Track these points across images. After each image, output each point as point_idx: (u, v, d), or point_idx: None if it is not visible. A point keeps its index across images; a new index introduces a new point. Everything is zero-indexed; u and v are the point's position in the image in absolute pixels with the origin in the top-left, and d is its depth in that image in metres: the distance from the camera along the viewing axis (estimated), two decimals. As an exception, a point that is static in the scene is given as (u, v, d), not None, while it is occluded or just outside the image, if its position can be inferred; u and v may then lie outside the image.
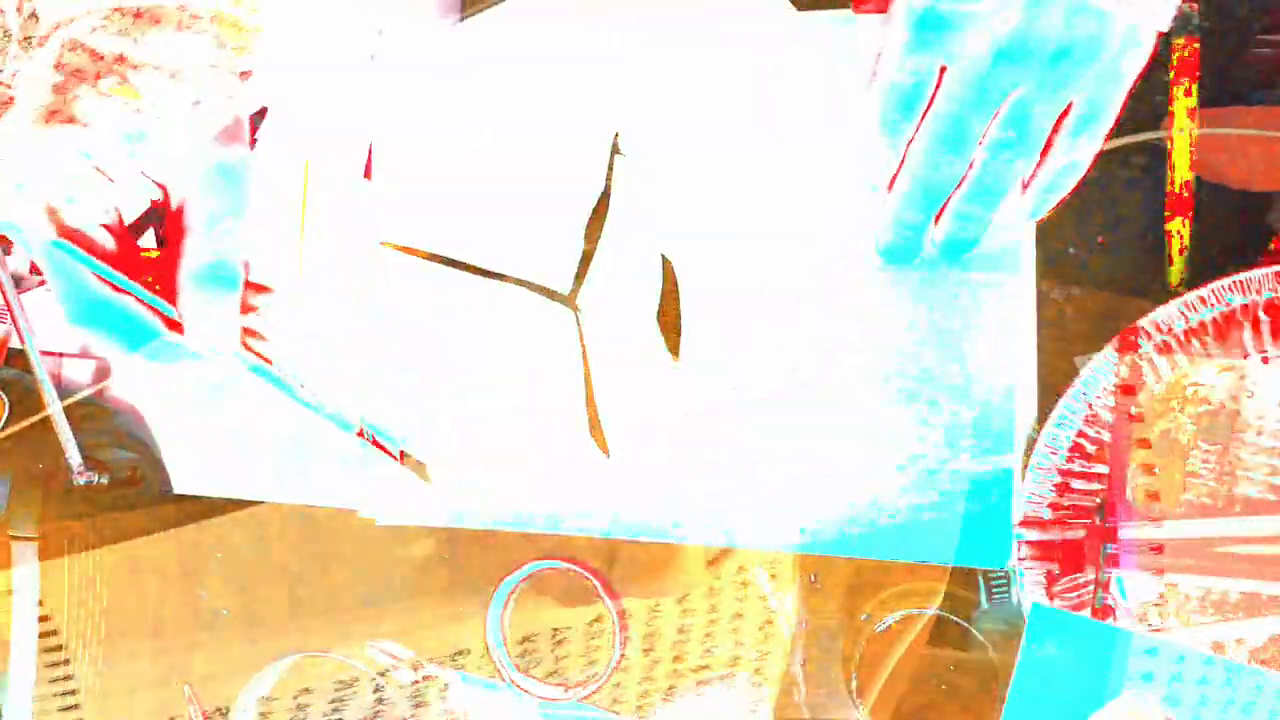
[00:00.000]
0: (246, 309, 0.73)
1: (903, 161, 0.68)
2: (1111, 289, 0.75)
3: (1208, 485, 0.72)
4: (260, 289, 0.77)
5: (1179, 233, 0.74)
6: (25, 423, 0.84)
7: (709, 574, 0.79)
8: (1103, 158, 0.67)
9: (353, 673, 0.83)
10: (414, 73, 0.77)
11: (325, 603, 0.84)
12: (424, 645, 0.83)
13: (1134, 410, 0.72)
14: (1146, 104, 0.74)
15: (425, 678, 0.83)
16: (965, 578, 0.76)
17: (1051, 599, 0.73)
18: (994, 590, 0.77)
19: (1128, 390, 0.72)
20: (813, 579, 0.79)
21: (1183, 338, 0.72)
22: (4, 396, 0.84)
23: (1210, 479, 0.72)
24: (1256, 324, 0.71)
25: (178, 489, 0.83)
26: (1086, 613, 0.72)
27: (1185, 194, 0.74)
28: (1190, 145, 0.74)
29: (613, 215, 0.75)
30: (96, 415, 0.85)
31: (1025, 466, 0.72)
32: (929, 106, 0.66)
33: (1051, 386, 0.73)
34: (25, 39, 0.71)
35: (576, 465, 0.76)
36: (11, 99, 0.70)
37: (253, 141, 0.73)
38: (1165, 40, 0.70)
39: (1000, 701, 0.72)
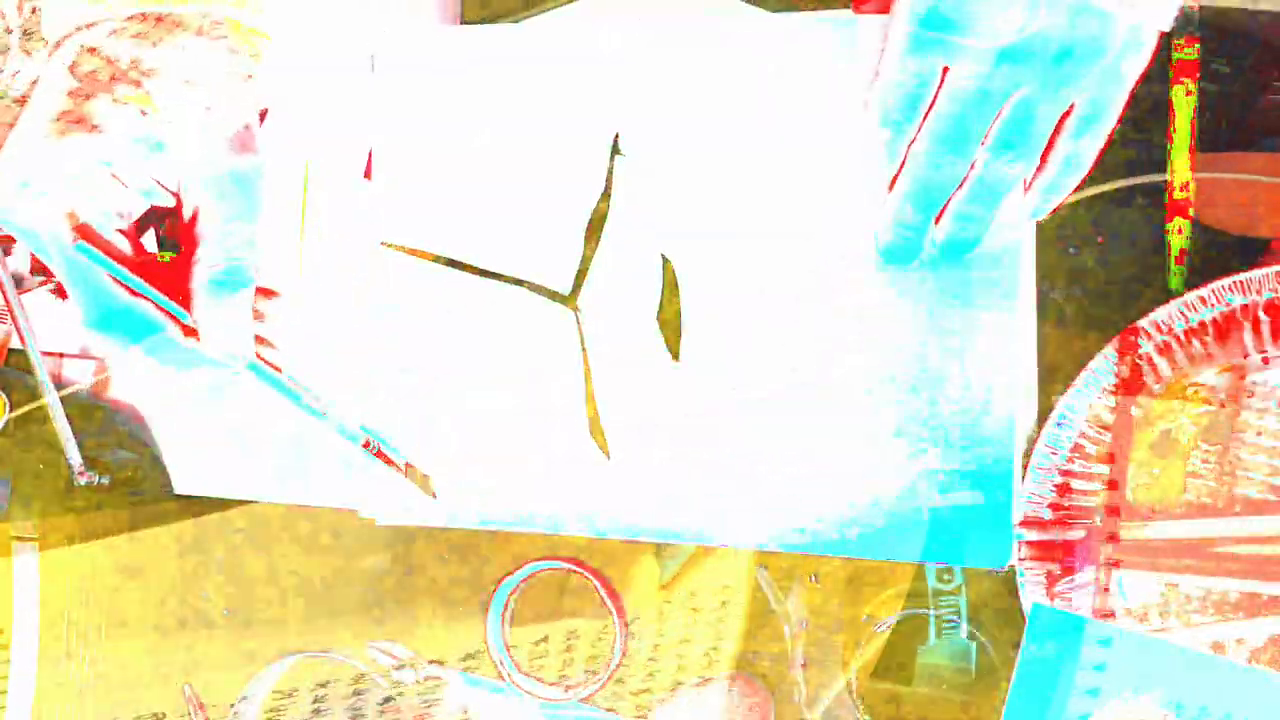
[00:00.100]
0: (256, 315, 0.73)
1: (903, 162, 0.68)
2: (1111, 289, 0.75)
3: (1208, 485, 0.72)
4: (267, 294, 0.77)
5: (1179, 233, 0.74)
6: (23, 410, 0.84)
7: (661, 596, 0.80)
8: (1103, 158, 0.67)
9: (352, 673, 0.83)
10: (414, 73, 0.77)
11: (325, 603, 0.84)
12: (424, 645, 0.83)
13: (1134, 410, 0.72)
14: (1147, 104, 0.74)
15: (426, 678, 0.83)
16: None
17: (1051, 599, 0.73)
18: (944, 626, 0.77)
19: (1128, 390, 0.72)
20: (813, 579, 0.79)
21: (1183, 338, 0.72)
22: (4, 396, 0.84)
23: (1210, 479, 0.72)
24: (1256, 324, 0.71)
25: (178, 489, 0.83)
26: (1087, 613, 0.72)
27: (1185, 194, 0.74)
28: (1190, 146, 0.74)
29: (613, 215, 0.75)
30: (96, 415, 0.85)
31: (1025, 466, 0.73)
32: (930, 107, 0.66)
33: (1051, 386, 0.73)
34: (26, 34, 0.71)
35: (576, 465, 0.76)
36: (24, 98, 0.70)
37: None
38: (1166, 40, 0.70)
39: (1001, 701, 0.72)
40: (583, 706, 0.80)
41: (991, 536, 0.71)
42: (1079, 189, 0.68)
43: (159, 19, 0.70)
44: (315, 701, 0.84)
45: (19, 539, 0.85)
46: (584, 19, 0.79)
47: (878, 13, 0.69)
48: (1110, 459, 0.72)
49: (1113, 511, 0.72)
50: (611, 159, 0.75)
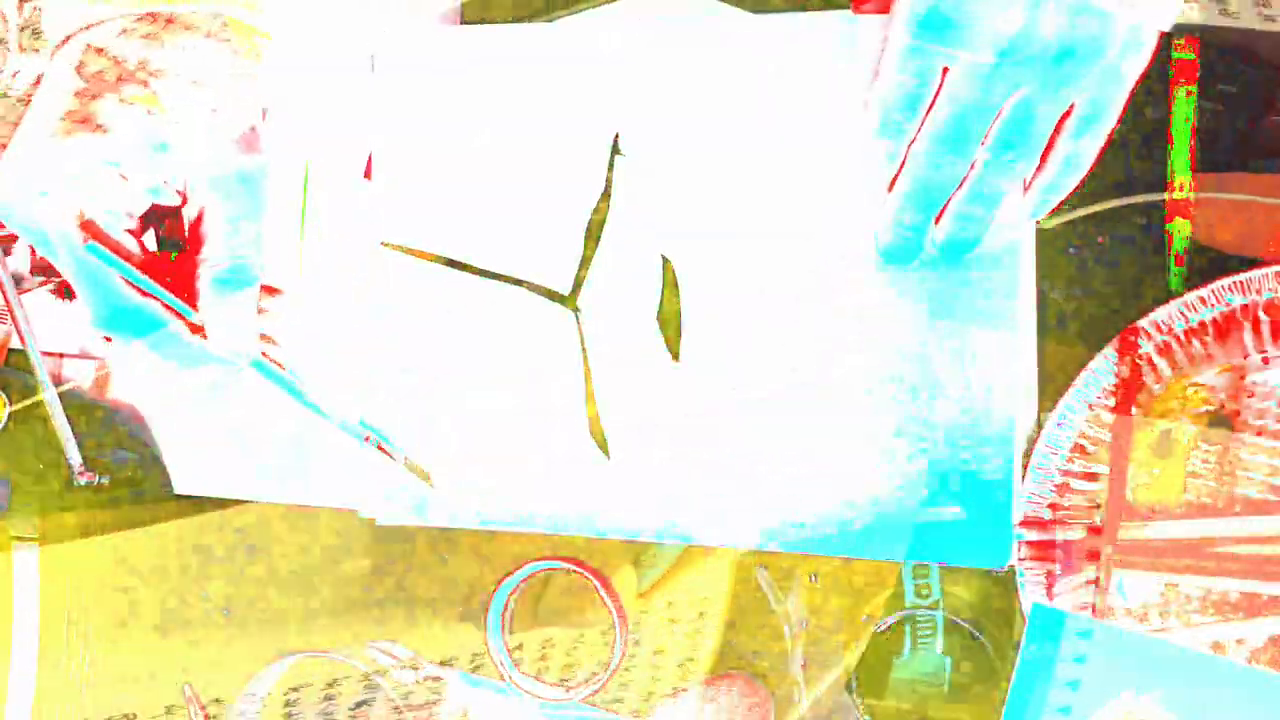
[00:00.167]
0: (259, 311, 0.74)
1: (903, 162, 0.68)
2: (1111, 289, 0.75)
3: (1208, 485, 0.72)
4: (270, 291, 0.77)
5: (1179, 233, 0.74)
6: (23, 410, 0.84)
7: (638, 604, 0.80)
8: (1104, 158, 0.67)
9: (352, 673, 0.83)
10: (414, 73, 0.77)
11: (325, 603, 0.84)
12: (424, 645, 0.83)
13: (1134, 410, 0.72)
14: (1147, 104, 0.74)
15: (426, 678, 0.83)
16: (962, 583, 0.77)
17: (1051, 599, 0.73)
18: (919, 641, 0.77)
19: (1128, 390, 0.72)
20: (812, 579, 0.79)
21: (1183, 338, 0.72)
22: (4, 396, 0.84)
23: (1210, 479, 0.72)
24: (1256, 324, 0.71)
25: (178, 489, 0.83)
26: (1087, 613, 0.72)
27: (1185, 194, 0.74)
28: (1189, 146, 0.74)
29: (613, 215, 0.75)
30: (96, 415, 0.85)
31: (1025, 466, 0.73)
32: (930, 107, 0.66)
33: (1051, 386, 0.73)
34: (29, 33, 0.71)
35: (576, 465, 0.76)
36: (26, 98, 0.70)
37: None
38: (1166, 40, 0.70)
39: (1001, 701, 0.72)
40: (583, 706, 0.80)
41: (991, 536, 0.71)
42: (1079, 201, 0.68)
43: (168, 20, 0.70)
44: (316, 701, 0.84)
45: (19, 539, 0.85)
46: (584, 20, 0.79)
47: (878, 13, 0.69)
48: (1110, 459, 0.72)
49: (1113, 511, 0.72)
50: (611, 159, 0.75)
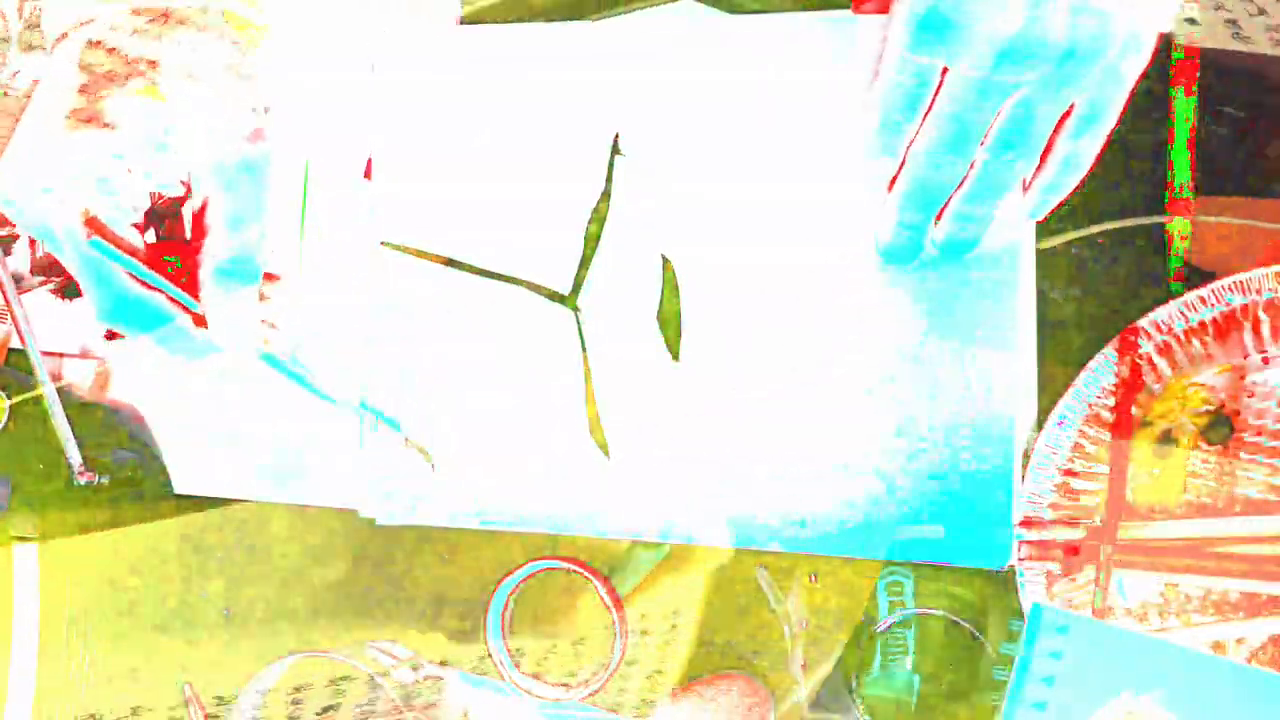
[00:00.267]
0: (260, 298, 0.74)
1: (903, 162, 0.68)
2: (1111, 289, 0.75)
3: (1208, 485, 0.72)
4: (270, 278, 0.77)
5: (1179, 233, 0.74)
6: (24, 410, 0.84)
7: (606, 617, 0.80)
8: (1103, 157, 0.67)
9: (352, 673, 0.83)
10: (414, 73, 0.77)
11: (325, 603, 0.84)
12: (424, 645, 0.83)
13: (1134, 410, 0.72)
14: (1147, 104, 0.74)
15: (425, 678, 0.83)
16: (962, 583, 0.77)
17: (1051, 599, 0.73)
18: (889, 659, 0.77)
19: (1128, 390, 0.72)
20: (812, 579, 0.79)
21: (1183, 338, 0.72)
22: (4, 396, 0.84)
23: (1210, 479, 0.72)
24: (1256, 324, 0.71)
25: (178, 489, 0.83)
26: (1086, 613, 0.72)
27: (1185, 194, 0.74)
28: (1189, 145, 0.74)
29: (613, 216, 0.75)
30: (96, 415, 0.85)
31: (1025, 466, 0.73)
32: (930, 107, 0.66)
33: (1051, 386, 0.73)
34: (29, 27, 0.71)
35: (576, 465, 0.76)
36: (29, 95, 0.70)
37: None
38: (1166, 40, 0.70)
39: (1000, 701, 0.72)
40: (583, 706, 0.80)
41: (991, 536, 0.71)
42: (1078, 188, 0.68)
43: (166, 14, 0.70)
44: (315, 700, 0.84)
45: (19, 538, 0.85)
46: (584, 20, 0.79)
47: (878, 13, 0.70)
48: (1110, 459, 0.72)
49: (1113, 511, 0.72)
50: (611, 159, 0.75)
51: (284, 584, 0.84)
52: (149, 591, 0.85)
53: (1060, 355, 0.74)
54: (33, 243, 0.83)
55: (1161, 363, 0.72)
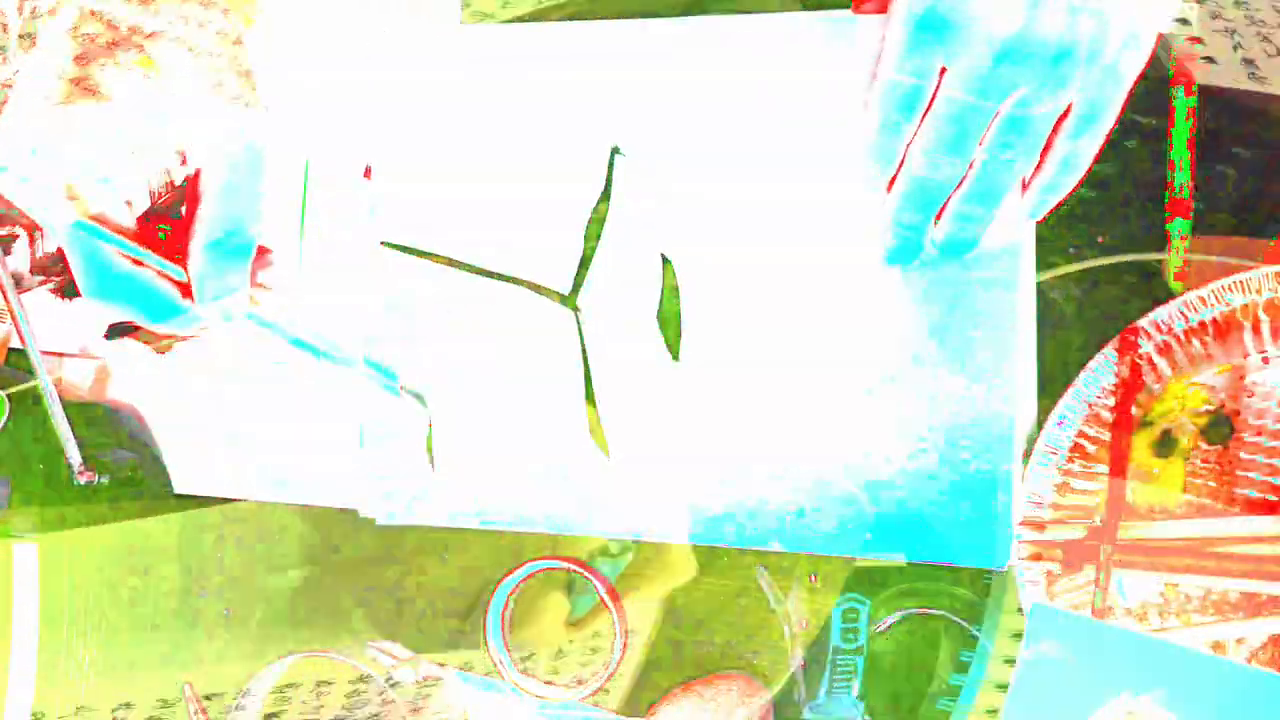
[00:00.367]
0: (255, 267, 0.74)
1: (902, 162, 0.68)
2: (1111, 289, 0.75)
3: (1208, 485, 0.72)
4: (262, 250, 0.77)
5: (1179, 233, 0.74)
6: (23, 410, 0.84)
7: (567, 633, 0.80)
8: (1103, 158, 0.67)
9: (352, 673, 0.83)
10: (415, 73, 0.77)
11: (325, 603, 0.84)
12: (423, 645, 0.83)
13: (1134, 410, 0.72)
14: (1146, 104, 0.74)
15: (425, 678, 0.83)
16: (962, 583, 0.77)
17: (1051, 599, 0.73)
18: (836, 685, 0.77)
19: (1128, 390, 0.72)
20: (812, 579, 0.79)
21: (1183, 337, 0.72)
22: (4, 396, 0.84)
23: (1210, 479, 0.72)
24: (1256, 324, 0.71)
25: (177, 489, 0.83)
26: (1086, 613, 0.72)
27: (1185, 194, 0.74)
28: (1189, 145, 0.74)
29: (613, 215, 0.75)
30: (96, 415, 0.85)
31: (1025, 466, 0.73)
32: (929, 107, 0.66)
33: (1051, 386, 0.73)
34: (27, 31, 0.71)
35: (576, 465, 0.76)
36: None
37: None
38: (1165, 41, 0.70)
39: (1000, 701, 0.72)
40: (583, 706, 0.80)
41: (991, 536, 0.71)
42: (1078, 188, 0.68)
43: None
44: (316, 700, 0.84)
45: (19, 538, 0.85)
46: (584, 20, 0.79)
47: (877, 13, 0.70)
48: (1110, 458, 0.72)
49: (1113, 511, 0.72)
50: (611, 159, 0.75)
51: (284, 584, 0.84)
52: (148, 591, 0.85)
53: (1060, 355, 0.74)
54: (33, 242, 0.83)
55: (1161, 362, 0.72)
